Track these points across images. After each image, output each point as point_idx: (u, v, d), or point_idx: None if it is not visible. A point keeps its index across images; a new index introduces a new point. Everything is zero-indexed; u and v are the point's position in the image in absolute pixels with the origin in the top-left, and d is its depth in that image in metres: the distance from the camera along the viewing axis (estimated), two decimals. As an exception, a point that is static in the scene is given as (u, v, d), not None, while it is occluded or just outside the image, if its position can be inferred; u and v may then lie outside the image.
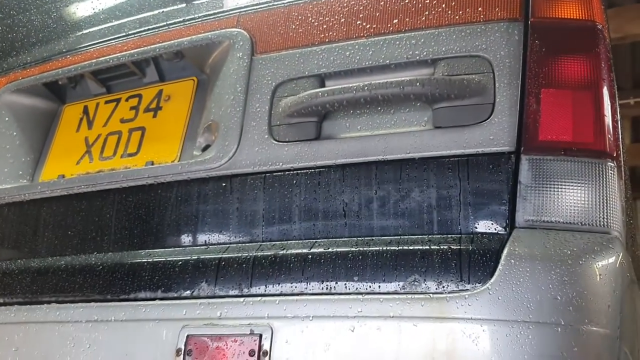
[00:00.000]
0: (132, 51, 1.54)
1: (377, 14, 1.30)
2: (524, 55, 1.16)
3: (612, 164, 1.09)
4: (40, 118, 1.72)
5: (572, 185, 1.06)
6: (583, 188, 1.06)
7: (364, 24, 1.30)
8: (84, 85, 1.68)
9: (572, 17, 1.19)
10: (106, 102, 1.64)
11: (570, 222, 1.04)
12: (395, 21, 1.28)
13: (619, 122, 1.20)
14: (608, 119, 1.12)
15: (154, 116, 1.53)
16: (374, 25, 1.29)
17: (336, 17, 1.34)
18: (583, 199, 1.05)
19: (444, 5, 1.25)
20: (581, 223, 1.04)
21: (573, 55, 1.16)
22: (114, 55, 1.56)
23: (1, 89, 1.74)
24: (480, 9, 1.22)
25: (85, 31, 1.71)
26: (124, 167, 1.48)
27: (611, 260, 0.99)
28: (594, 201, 1.05)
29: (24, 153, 1.67)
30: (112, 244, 1.37)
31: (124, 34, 1.61)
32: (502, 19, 1.20)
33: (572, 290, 0.92)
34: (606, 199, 1.06)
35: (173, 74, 1.57)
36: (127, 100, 1.60)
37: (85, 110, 1.66)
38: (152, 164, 1.44)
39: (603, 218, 1.04)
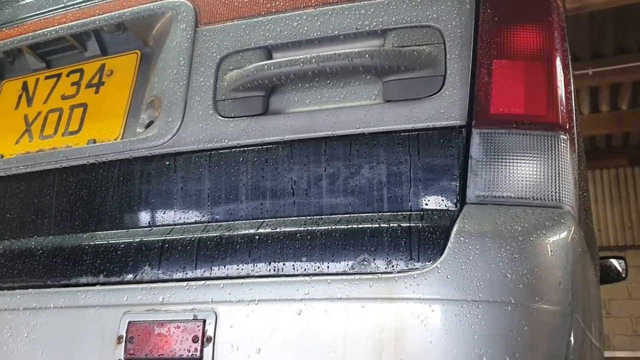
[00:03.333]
0: (71, 24, 1.46)
1: (326, -18, 1.25)
2: (476, 25, 1.13)
3: (565, 137, 1.06)
4: (-24, 95, 1.62)
5: (524, 159, 1.04)
6: (535, 162, 1.04)
7: None
8: (22, 60, 1.59)
9: (524, -16, 1.16)
10: (46, 77, 1.55)
11: (521, 197, 1.02)
12: (344, -10, 1.23)
13: (573, 94, 1.18)
14: (561, 91, 1.09)
15: (96, 92, 1.45)
16: (322, -6, 1.24)
17: (283, -15, 1.28)
18: (535, 173, 1.03)
19: (394, -27, 1.20)
20: (533, 198, 1.02)
21: (525, 25, 1.13)
22: (52, 28, 1.48)
23: None
24: (431, -24, 1.18)
25: (20, 2, 1.62)
26: (65, 146, 1.40)
27: (562, 235, 0.97)
28: (546, 175, 1.03)
29: (-40, 132, 1.58)
30: (53, 226, 1.30)
31: (62, 5, 1.52)
32: None
33: (523, 267, 0.90)
34: (558, 173, 1.04)
35: (116, 48, 1.49)
36: (68, 75, 1.52)
37: (25, 87, 1.57)
38: (95, 142, 1.37)
39: (555, 192, 1.02)
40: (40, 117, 1.50)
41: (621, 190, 11.38)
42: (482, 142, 1.05)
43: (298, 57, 1.17)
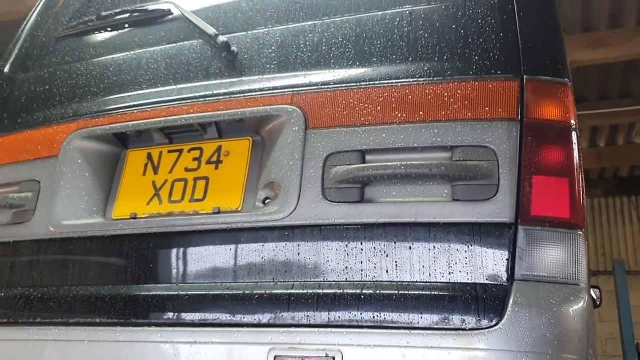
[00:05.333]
0: (201, 114, 1.87)
1: (407, 106, 1.68)
2: (520, 148, 1.57)
3: (581, 233, 1.51)
4: (106, 161, 2.03)
5: (554, 249, 1.49)
6: (561, 251, 1.49)
7: (396, 112, 1.68)
8: (148, 135, 1.99)
9: (555, 119, 1.61)
10: (169, 151, 1.96)
11: (552, 276, 1.46)
12: (421, 113, 1.66)
13: (585, 199, 1.63)
14: (579, 198, 1.55)
15: (216, 168, 1.87)
16: (404, 115, 1.67)
17: (374, 104, 1.71)
18: (561, 259, 1.48)
19: (459, 104, 1.64)
20: (560, 277, 1.46)
21: (555, 149, 1.58)
22: (183, 116, 1.89)
23: (72, 134, 2.03)
24: (487, 108, 1.62)
25: (151, 89, 2.03)
26: (193, 211, 1.82)
27: (580, 305, 1.43)
28: (568, 261, 1.48)
29: (96, 192, 1.98)
30: (194, 278, 1.71)
31: (189, 97, 1.94)
32: (504, 118, 1.60)
33: (556, 329, 1.35)
34: (577, 259, 1.49)
35: (230, 133, 1.90)
36: (189, 151, 1.94)
37: (150, 157, 1.98)
38: (219, 210, 1.79)
39: (575, 274, 1.47)
40: (167, 184, 1.91)
41: (596, 220, 12.00)
42: (525, 236, 1.49)
43: (390, 163, 1.60)
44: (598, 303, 3.68)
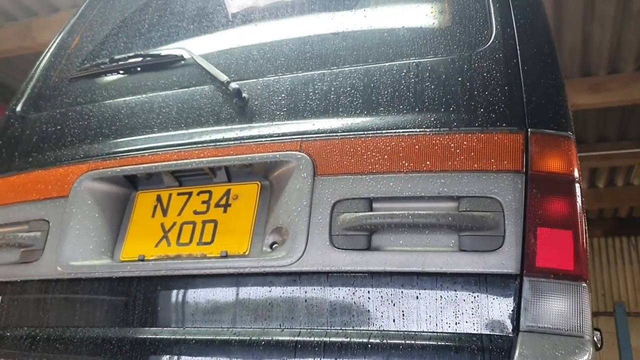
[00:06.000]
0: (210, 159, 1.91)
1: (414, 156, 1.71)
2: (525, 200, 1.60)
3: (585, 284, 1.53)
4: (116, 202, 2.05)
5: (558, 300, 1.50)
6: (566, 303, 1.50)
7: (403, 162, 1.71)
8: (158, 177, 2.02)
9: (558, 171, 1.65)
10: (178, 194, 1.99)
11: (557, 328, 1.48)
12: (428, 162, 1.70)
13: (587, 249, 1.65)
14: (582, 250, 1.57)
15: (224, 211, 1.90)
16: (411, 164, 1.71)
17: (381, 153, 1.75)
18: (566, 310, 1.50)
19: (465, 154, 1.68)
20: (565, 329, 1.48)
21: (559, 201, 1.61)
22: (193, 160, 1.92)
23: (82, 175, 2.06)
24: (492, 160, 1.66)
25: (161, 133, 2.06)
26: (200, 254, 1.84)
27: (585, 358, 1.44)
28: (573, 313, 1.50)
29: (105, 233, 2.00)
30: (203, 322, 1.72)
31: (200, 141, 1.97)
32: (509, 169, 1.64)
33: (562, 383, 1.36)
34: (581, 311, 1.50)
35: (239, 177, 1.94)
36: (198, 194, 1.96)
37: (159, 199, 2.01)
38: (227, 253, 1.80)
39: (579, 326, 1.49)
40: (176, 227, 1.93)
41: (595, 260, 11.99)
42: (530, 287, 1.51)
43: (397, 212, 1.63)
44: (599, 346, 3.69)
